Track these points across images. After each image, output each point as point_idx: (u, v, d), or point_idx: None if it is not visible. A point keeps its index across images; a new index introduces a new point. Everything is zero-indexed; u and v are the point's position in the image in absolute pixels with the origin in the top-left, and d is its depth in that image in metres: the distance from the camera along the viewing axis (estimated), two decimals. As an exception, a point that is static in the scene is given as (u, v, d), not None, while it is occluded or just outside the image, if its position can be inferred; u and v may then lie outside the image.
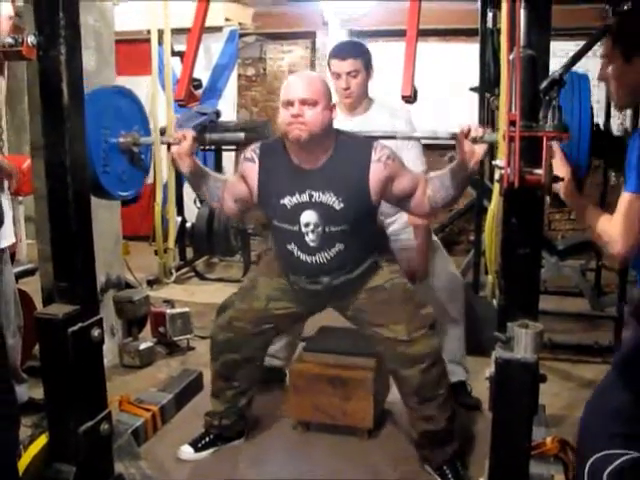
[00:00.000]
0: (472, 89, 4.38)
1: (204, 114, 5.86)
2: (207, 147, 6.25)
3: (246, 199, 2.80)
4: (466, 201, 6.84)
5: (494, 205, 2.44)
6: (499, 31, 4.35)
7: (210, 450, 3.09)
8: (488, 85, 4.09)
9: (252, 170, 2.72)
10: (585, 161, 2.19)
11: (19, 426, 2.36)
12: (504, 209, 1.90)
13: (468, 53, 5.66)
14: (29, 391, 3.34)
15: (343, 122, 2.85)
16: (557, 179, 1.82)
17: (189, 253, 6.27)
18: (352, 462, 3.01)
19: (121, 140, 2.86)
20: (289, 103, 2.52)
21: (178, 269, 5.85)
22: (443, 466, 2.84)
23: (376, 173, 2.58)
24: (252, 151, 2.74)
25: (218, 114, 6.05)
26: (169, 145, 2.83)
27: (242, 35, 7.28)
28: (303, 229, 2.65)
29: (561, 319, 4.57)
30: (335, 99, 3.18)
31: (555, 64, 1.85)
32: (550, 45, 1.83)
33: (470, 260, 4.99)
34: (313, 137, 2.52)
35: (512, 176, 1.62)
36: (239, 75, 7.49)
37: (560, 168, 1.98)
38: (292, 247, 2.71)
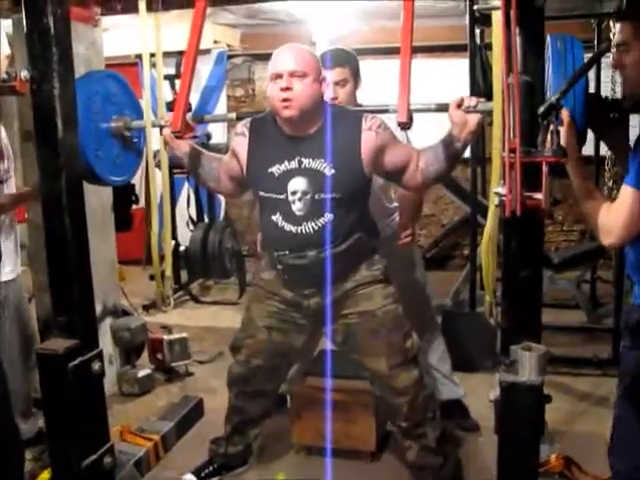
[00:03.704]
0: (462, 105, 4.39)
1: (195, 137, 5.86)
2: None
3: (240, 177, 2.75)
4: (458, 217, 6.89)
5: (490, 226, 2.43)
6: (487, 47, 4.41)
7: (214, 479, 3.07)
8: (478, 101, 4.11)
9: (242, 144, 2.68)
10: (580, 129, 2.13)
11: (24, 464, 2.35)
12: (504, 233, 1.90)
13: (456, 68, 5.71)
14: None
15: None
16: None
17: (184, 277, 6.25)
18: (356, 486, 3.01)
19: (113, 125, 2.82)
20: (278, 76, 2.48)
21: (173, 293, 5.83)
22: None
23: (367, 141, 2.53)
24: (243, 125, 2.71)
25: (209, 136, 6.05)
26: (161, 128, 2.80)
27: (230, 56, 7.29)
28: (290, 197, 2.57)
29: (559, 332, 4.58)
30: None
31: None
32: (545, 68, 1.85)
33: (465, 276, 5.00)
34: (304, 113, 2.49)
35: (514, 204, 1.62)
36: (228, 96, 7.49)
37: (568, 138, 1.93)
38: (277, 217, 2.61)
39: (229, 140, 7.32)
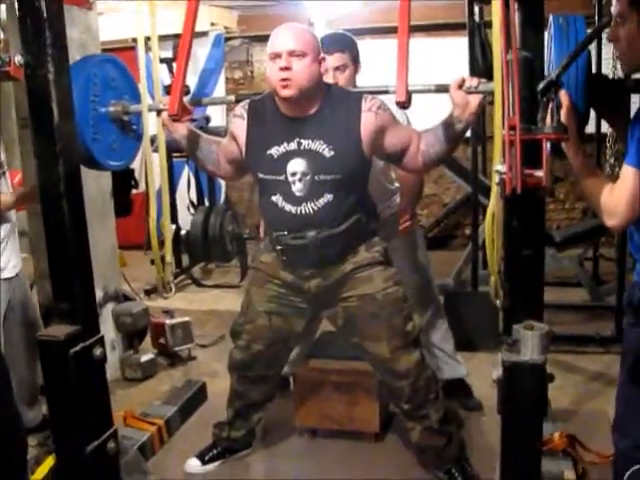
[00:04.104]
0: (462, 84, 4.36)
1: (193, 120, 5.83)
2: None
3: (239, 159, 2.72)
4: (460, 196, 6.87)
5: (493, 206, 2.41)
6: (486, 24, 4.38)
7: (217, 462, 3.08)
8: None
9: (241, 126, 2.65)
10: (582, 108, 2.11)
11: (27, 450, 2.36)
12: (505, 212, 1.88)
13: (455, 47, 5.67)
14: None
15: None
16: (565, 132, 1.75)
17: (185, 261, 6.25)
18: (361, 467, 3.01)
19: (111, 109, 2.79)
20: (277, 55, 2.44)
21: (175, 277, 5.82)
22: (452, 469, 2.84)
23: (367, 122, 2.50)
24: (241, 107, 2.67)
25: (208, 120, 6.03)
26: (159, 111, 2.74)
27: (228, 39, 7.26)
28: (290, 178, 2.54)
29: (561, 311, 4.58)
30: None
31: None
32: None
33: (467, 255, 4.99)
34: (303, 93, 2.45)
35: (514, 181, 1.60)
36: (226, 79, 7.46)
37: (567, 120, 1.86)
38: (277, 198, 2.59)
39: (228, 123, 7.32)
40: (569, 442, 2.81)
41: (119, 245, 4.43)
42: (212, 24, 6.73)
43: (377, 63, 4.43)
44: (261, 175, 2.62)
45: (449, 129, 2.40)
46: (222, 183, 7.04)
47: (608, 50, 4.06)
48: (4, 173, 2.93)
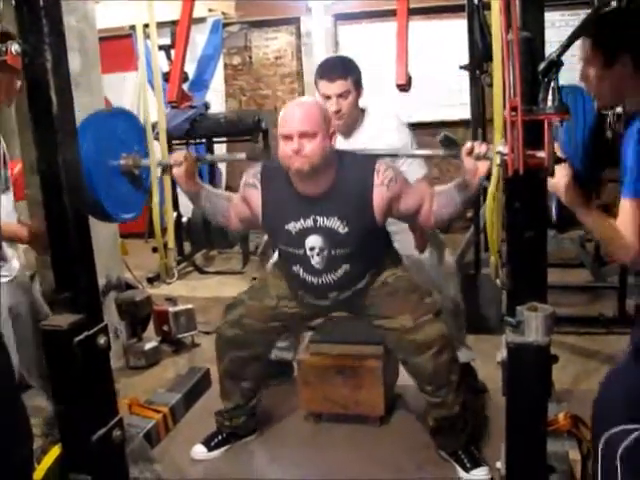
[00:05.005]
0: (462, 67, 4.34)
1: (193, 107, 5.82)
2: (197, 140, 6.20)
3: (251, 219, 2.83)
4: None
5: (493, 187, 2.42)
6: (485, 6, 4.35)
7: (223, 448, 3.10)
8: (478, 62, 4.07)
9: (255, 196, 2.74)
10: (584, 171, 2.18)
11: (32, 439, 2.37)
12: (507, 193, 1.88)
13: (454, 30, 5.64)
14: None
15: (337, 144, 2.78)
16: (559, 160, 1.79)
17: (187, 248, 6.24)
18: (366, 451, 3.02)
19: (122, 162, 2.80)
20: (288, 137, 2.50)
21: (177, 264, 5.82)
22: (458, 451, 2.85)
23: (380, 196, 2.61)
24: (253, 176, 2.75)
25: (207, 106, 6.02)
26: (170, 168, 2.80)
27: (226, 25, 7.24)
28: (308, 252, 2.69)
29: (564, 292, 4.57)
30: None
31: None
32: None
33: (469, 238, 4.98)
34: (315, 167, 2.52)
35: (516, 163, 1.60)
36: (225, 65, 7.45)
37: (560, 170, 1.92)
38: (297, 269, 2.75)
39: (227, 109, 7.29)
40: (573, 422, 2.81)
41: (120, 234, 4.43)
42: (210, 10, 6.71)
43: (375, 47, 4.41)
44: (282, 247, 2.77)
45: (460, 192, 2.52)
46: (223, 170, 7.03)
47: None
48: (8, 188, 2.87)
